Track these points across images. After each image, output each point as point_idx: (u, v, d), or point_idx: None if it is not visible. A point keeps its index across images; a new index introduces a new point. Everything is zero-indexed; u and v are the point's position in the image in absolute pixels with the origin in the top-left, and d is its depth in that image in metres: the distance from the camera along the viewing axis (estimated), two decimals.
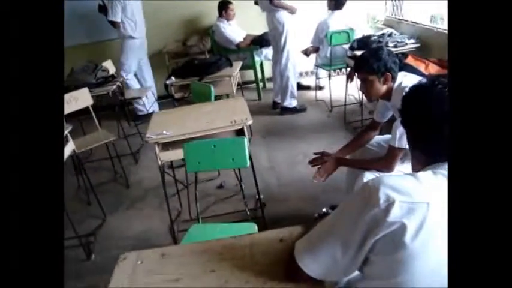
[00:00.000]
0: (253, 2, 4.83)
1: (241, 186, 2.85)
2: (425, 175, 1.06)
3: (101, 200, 3.31)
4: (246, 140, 2.16)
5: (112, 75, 4.18)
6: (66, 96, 3.49)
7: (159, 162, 2.53)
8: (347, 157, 2.47)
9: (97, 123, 3.68)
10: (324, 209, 2.69)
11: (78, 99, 3.53)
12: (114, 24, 4.74)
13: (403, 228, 0.96)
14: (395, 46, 3.86)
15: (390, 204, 0.97)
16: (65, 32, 4.39)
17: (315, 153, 2.42)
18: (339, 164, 2.33)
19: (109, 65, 4.41)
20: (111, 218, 3.26)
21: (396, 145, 2.08)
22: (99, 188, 3.60)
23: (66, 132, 2.85)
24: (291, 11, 4.42)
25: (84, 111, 3.63)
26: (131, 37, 4.83)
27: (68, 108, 3.49)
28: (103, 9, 4.79)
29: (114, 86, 4.01)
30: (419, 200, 0.98)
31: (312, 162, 2.39)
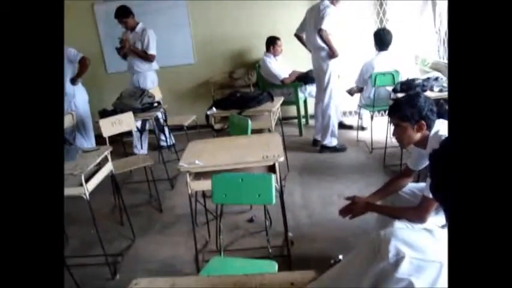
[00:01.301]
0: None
1: (266, 222, 2.83)
2: (444, 232, 1.02)
3: (133, 222, 3.39)
4: (274, 177, 2.16)
5: (158, 102, 4.32)
6: (112, 119, 3.65)
7: (189, 191, 2.57)
8: (378, 203, 2.41)
9: (140, 146, 3.80)
10: (341, 256, 2.62)
11: (122, 122, 3.68)
12: (149, 57, 4.88)
13: (410, 287, 0.93)
14: (440, 91, 3.77)
15: (400, 259, 0.94)
16: (116, 57, 4.59)
17: (347, 198, 2.38)
18: (369, 208, 2.27)
19: (156, 92, 4.58)
20: (140, 240, 3.32)
21: (430, 196, 2.01)
22: (133, 209, 3.68)
23: (106, 153, 2.96)
24: (333, 53, 4.45)
25: (127, 134, 3.77)
26: (156, 70, 5.07)
27: (113, 130, 3.65)
28: (119, 52, 4.96)
29: (158, 112, 4.14)
30: (432, 259, 0.95)
31: (342, 212, 2.33)
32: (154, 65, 5.03)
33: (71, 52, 4.85)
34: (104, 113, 3.96)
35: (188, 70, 5.95)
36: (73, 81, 4.89)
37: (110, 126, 3.63)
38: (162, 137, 5.04)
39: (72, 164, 2.69)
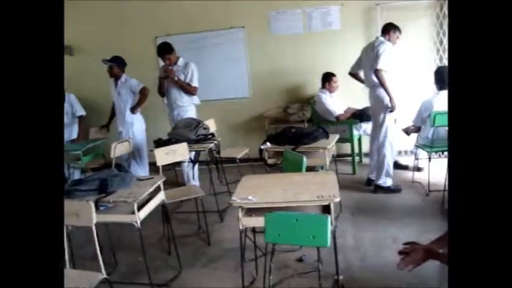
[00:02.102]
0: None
1: (319, 265, 2.72)
2: None
3: (180, 252, 3.37)
4: (329, 218, 2.07)
5: (212, 134, 4.36)
6: (167, 149, 3.71)
7: (240, 227, 2.52)
8: (440, 251, 2.25)
9: (191, 176, 3.82)
10: None
11: (176, 152, 3.72)
12: (192, 89, 4.88)
13: None
14: None
15: None
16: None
17: (405, 244, 2.24)
18: (429, 256, 2.12)
19: (211, 124, 4.64)
20: (186, 272, 3.28)
21: None
22: (181, 240, 3.67)
23: (159, 182, 2.99)
24: (391, 107, 4.36)
25: (180, 164, 3.81)
26: (197, 105, 5.07)
27: (167, 160, 3.70)
28: (161, 84, 4.98)
29: (212, 144, 4.17)
30: None
31: (402, 253, 2.20)
32: (196, 99, 5.02)
33: (133, 82, 5.05)
34: (159, 142, 4.03)
35: (243, 103, 6.01)
36: (133, 110, 5.07)
37: (164, 156, 3.69)
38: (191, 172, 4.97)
39: (127, 192, 2.73)
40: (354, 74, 4.85)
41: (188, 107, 4.97)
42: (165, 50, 4.79)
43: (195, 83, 4.88)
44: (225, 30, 5.90)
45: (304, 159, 3.08)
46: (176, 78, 4.82)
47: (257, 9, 5.75)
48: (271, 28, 5.82)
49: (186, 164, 4.75)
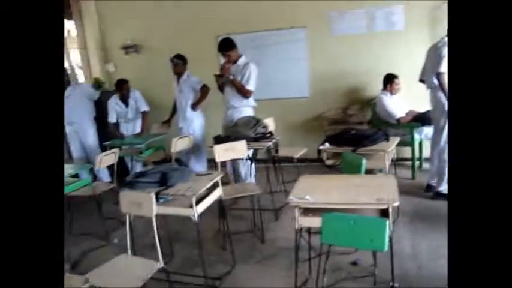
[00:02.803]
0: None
1: (375, 270, 2.66)
2: None
3: (235, 248, 3.42)
4: (388, 222, 2.03)
5: (270, 132, 4.38)
6: (226, 146, 3.77)
7: (296, 226, 2.52)
8: None
9: (248, 174, 3.86)
10: None
11: (235, 149, 3.78)
12: (246, 92, 4.67)
13: None
14: None
15: None
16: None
17: None
18: None
19: (269, 122, 4.66)
20: (240, 267, 3.32)
21: None
22: (236, 236, 3.71)
23: (217, 178, 3.05)
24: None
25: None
26: (253, 107, 4.89)
27: (225, 156, 3.76)
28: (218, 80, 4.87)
29: (270, 143, 4.19)
30: None
31: None
32: (252, 101, 4.82)
33: (195, 80, 5.16)
34: (219, 139, 4.10)
35: (302, 103, 5.99)
36: (194, 106, 5.19)
37: (223, 152, 3.75)
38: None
39: (186, 186, 2.80)
40: (424, 80, 4.63)
41: (242, 108, 4.77)
42: (224, 46, 4.68)
43: (249, 86, 4.64)
44: (286, 30, 5.90)
45: (364, 161, 3.03)
46: (231, 77, 4.67)
47: (319, 9, 5.70)
48: (332, 28, 5.75)
49: (242, 162, 4.78)
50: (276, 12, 5.86)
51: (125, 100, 5.50)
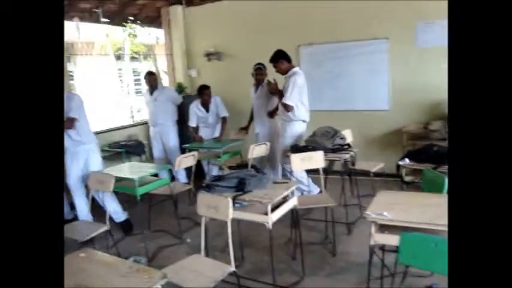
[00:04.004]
0: None
1: None
2: None
3: (305, 259, 3.40)
4: None
5: (348, 144, 4.31)
6: (303, 155, 3.77)
7: (371, 242, 2.45)
8: None
9: (323, 186, 3.82)
10: None
11: (312, 160, 3.76)
12: (285, 107, 4.54)
13: None
14: None
15: None
16: (317, 97, 4.72)
17: None
18: None
19: (348, 134, 4.59)
20: (309, 279, 3.29)
21: None
22: (307, 246, 3.69)
23: (294, 187, 3.05)
24: None
25: (314, 171, 3.84)
26: (303, 121, 4.72)
27: (302, 166, 3.76)
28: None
29: (348, 155, 4.12)
30: None
31: None
32: (300, 115, 4.61)
33: None
34: (296, 148, 4.11)
35: (381, 116, 5.83)
36: (270, 114, 5.24)
37: (300, 162, 3.75)
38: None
39: (262, 193, 2.83)
40: None
41: (289, 123, 4.66)
42: (272, 58, 4.64)
43: (287, 100, 4.46)
44: (368, 41, 5.78)
45: (446, 180, 2.88)
46: (277, 89, 4.65)
47: (403, 20, 5.52)
48: (417, 40, 5.54)
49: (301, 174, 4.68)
50: (358, 22, 5.77)
51: (206, 105, 5.68)
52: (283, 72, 4.61)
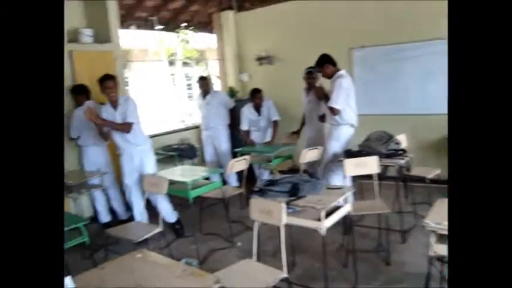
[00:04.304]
0: None
1: None
2: None
3: (357, 267, 3.31)
4: None
5: (403, 149, 4.17)
6: (357, 160, 3.69)
7: (431, 253, 2.35)
8: None
9: (377, 192, 3.72)
10: None
11: (366, 165, 3.67)
12: (331, 111, 4.40)
13: None
14: None
15: None
16: (370, 100, 4.59)
17: None
18: None
19: (403, 139, 4.45)
20: None
21: None
22: (359, 254, 3.59)
23: (348, 193, 2.98)
24: None
25: (367, 177, 3.74)
26: (351, 125, 4.52)
27: (355, 171, 3.68)
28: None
29: (403, 161, 3.99)
30: None
31: None
32: (348, 119, 4.44)
33: None
34: (349, 153, 4.03)
35: (438, 120, 5.59)
36: (321, 118, 5.18)
37: (353, 167, 3.67)
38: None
39: (316, 198, 2.79)
40: None
41: (337, 127, 4.50)
42: (317, 62, 4.51)
43: (333, 103, 4.31)
44: (425, 42, 5.59)
45: None
46: (322, 92, 4.56)
47: None
48: None
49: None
50: (414, 23, 5.59)
51: (258, 109, 5.70)
52: (329, 76, 4.49)
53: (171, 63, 9.85)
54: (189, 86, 10.49)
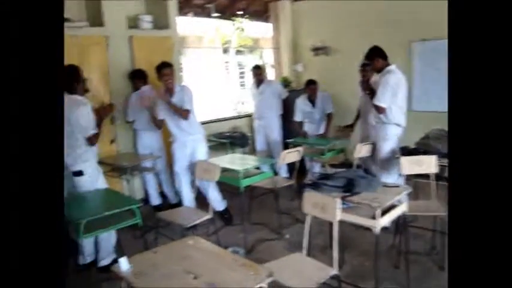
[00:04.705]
0: None
1: None
2: None
3: (409, 269, 3.19)
4: None
5: None
6: (413, 158, 3.54)
7: None
8: None
9: (434, 192, 3.56)
10: None
11: (423, 164, 3.52)
12: (377, 109, 4.15)
13: None
14: None
15: None
16: (428, 97, 4.37)
17: None
18: None
19: None
20: None
21: None
22: (411, 256, 3.45)
23: (405, 192, 2.87)
24: None
25: (424, 176, 3.59)
26: (397, 125, 4.21)
27: (412, 170, 3.54)
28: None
29: None
30: None
31: None
32: (393, 118, 4.16)
33: None
34: (406, 151, 3.88)
35: None
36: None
37: (410, 165, 3.53)
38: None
39: (372, 196, 2.70)
40: None
41: (381, 125, 4.23)
42: (367, 55, 4.29)
43: (377, 101, 4.08)
44: None
45: None
46: (367, 92, 4.33)
47: None
48: None
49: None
50: None
51: (312, 100, 5.60)
52: (378, 70, 4.25)
53: (225, 50, 9.91)
54: (242, 75, 10.52)
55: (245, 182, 3.97)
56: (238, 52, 9.99)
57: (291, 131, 5.83)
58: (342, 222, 3.29)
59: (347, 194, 2.74)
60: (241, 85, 10.39)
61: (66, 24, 4.63)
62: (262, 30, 8.41)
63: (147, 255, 2.15)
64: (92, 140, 3.39)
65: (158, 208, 4.82)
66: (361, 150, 4.33)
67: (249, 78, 10.34)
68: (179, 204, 4.67)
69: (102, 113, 3.59)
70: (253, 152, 6.26)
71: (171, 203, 5.08)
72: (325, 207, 2.51)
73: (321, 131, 5.61)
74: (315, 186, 2.85)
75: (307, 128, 5.68)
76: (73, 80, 3.38)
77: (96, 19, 4.88)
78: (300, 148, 4.46)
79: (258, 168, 4.55)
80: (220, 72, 10.03)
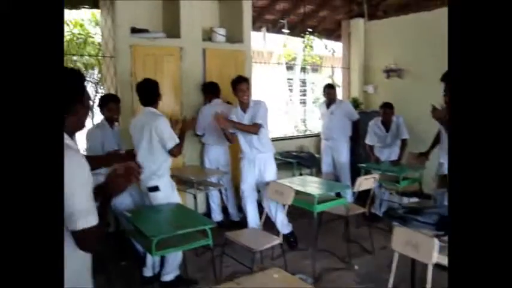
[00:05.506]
0: None
1: None
2: None
3: None
4: None
5: None
6: None
7: None
8: None
9: None
10: None
11: None
12: None
13: None
14: None
15: None
16: None
17: None
18: None
19: None
20: None
21: None
22: None
23: None
24: None
25: None
26: None
27: None
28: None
29: None
30: None
31: None
32: None
33: None
34: None
35: None
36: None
37: None
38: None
39: None
40: None
41: None
42: (442, 78, 3.69)
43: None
44: None
45: None
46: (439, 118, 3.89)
47: None
48: None
49: None
50: None
51: (386, 124, 5.32)
52: None
53: (290, 67, 9.82)
54: (303, 92, 10.39)
55: (319, 208, 3.76)
56: (302, 69, 9.90)
57: (358, 154, 5.58)
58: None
59: (440, 232, 2.48)
60: (301, 103, 10.27)
61: (143, 35, 4.69)
62: (331, 48, 8.24)
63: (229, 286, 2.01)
64: (174, 152, 3.37)
65: (220, 224, 4.71)
66: (442, 182, 4.03)
67: (310, 96, 10.20)
68: (241, 222, 4.54)
69: (184, 126, 3.60)
70: (318, 173, 6.05)
71: (233, 220, 4.96)
72: (419, 246, 2.27)
73: (393, 157, 5.30)
74: (403, 220, 2.62)
75: (379, 152, 5.40)
76: (153, 94, 3.42)
77: (172, 30, 4.91)
78: (376, 175, 4.22)
79: (337, 194, 4.38)
80: (283, 89, 9.95)
